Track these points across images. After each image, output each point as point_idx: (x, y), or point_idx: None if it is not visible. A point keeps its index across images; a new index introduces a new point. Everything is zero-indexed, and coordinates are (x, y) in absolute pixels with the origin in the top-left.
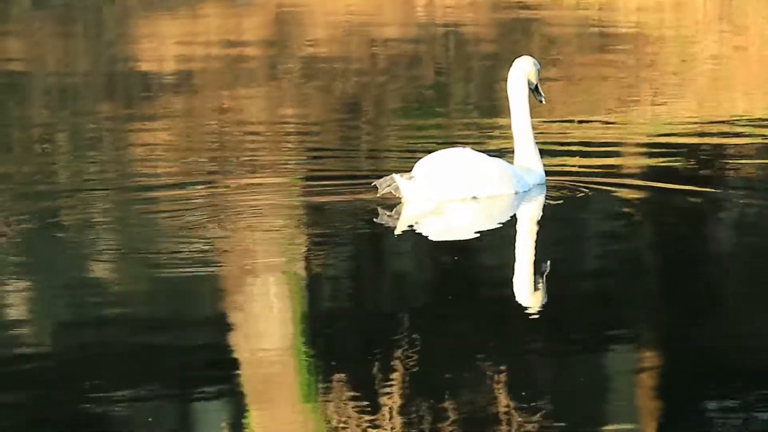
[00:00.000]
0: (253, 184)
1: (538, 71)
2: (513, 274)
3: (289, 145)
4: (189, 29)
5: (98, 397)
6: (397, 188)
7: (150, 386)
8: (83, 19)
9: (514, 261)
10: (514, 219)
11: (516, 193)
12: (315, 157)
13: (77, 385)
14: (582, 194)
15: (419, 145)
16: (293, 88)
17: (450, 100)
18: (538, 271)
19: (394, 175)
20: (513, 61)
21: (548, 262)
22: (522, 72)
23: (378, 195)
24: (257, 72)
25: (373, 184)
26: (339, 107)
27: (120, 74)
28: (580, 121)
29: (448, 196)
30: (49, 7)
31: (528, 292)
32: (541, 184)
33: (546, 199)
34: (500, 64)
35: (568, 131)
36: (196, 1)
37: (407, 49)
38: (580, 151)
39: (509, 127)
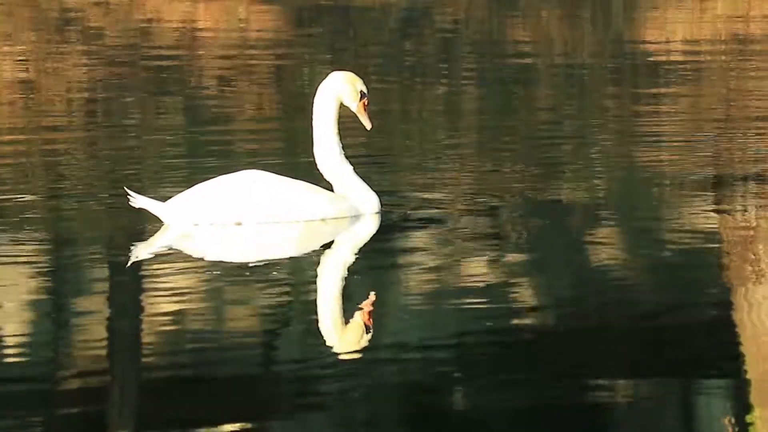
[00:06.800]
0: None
1: None
2: None
3: None
4: (696, 15)
5: (594, 383)
6: None
7: (651, 373)
8: (591, 3)
9: None
10: None
11: None
12: None
13: (571, 367)
14: None
15: None
16: None
17: None
18: None
19: None
20: None
21: None
22: None
23: None
24: (762, 59)
25: None
26: None
27: (626, 60)
28: None
29: None
30: None
31: None
32: None
33: None
34: None
35: None
36: None
37: None
38: None
39: None
